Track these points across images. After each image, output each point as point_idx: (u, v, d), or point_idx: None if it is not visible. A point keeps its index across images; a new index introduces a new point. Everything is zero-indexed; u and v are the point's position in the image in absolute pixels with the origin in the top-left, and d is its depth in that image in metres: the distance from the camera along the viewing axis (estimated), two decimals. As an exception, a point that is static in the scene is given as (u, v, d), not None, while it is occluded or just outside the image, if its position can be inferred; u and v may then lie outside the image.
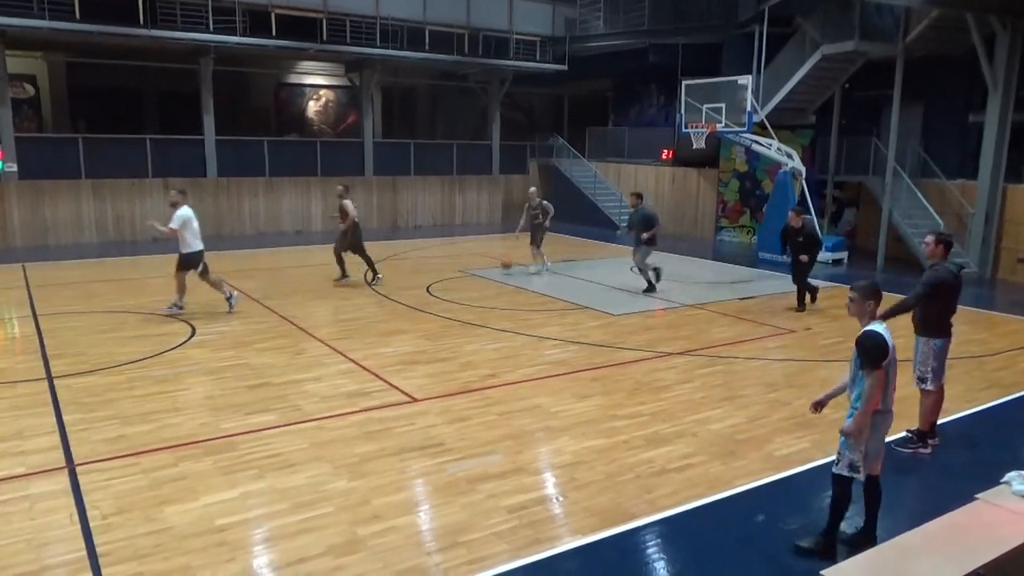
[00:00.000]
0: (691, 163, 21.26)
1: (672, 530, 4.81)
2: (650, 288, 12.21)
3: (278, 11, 18.38)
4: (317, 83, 24.43)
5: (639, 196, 12.68)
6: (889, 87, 15.88)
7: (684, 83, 17.58)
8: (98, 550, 4.41)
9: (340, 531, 4.65)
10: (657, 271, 12.33)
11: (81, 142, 17.91)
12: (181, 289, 10.34)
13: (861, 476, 4.43)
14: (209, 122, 18.99)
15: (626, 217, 15.70)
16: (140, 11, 16.71)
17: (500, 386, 7.51)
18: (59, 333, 9.30)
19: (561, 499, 5.16)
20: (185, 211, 10.17)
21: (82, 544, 4.48)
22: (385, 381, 7.59)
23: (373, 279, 12.74)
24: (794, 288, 11.34)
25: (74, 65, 19.97)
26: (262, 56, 20.92)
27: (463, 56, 21.38)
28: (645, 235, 11.93)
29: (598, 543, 4.60)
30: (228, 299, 10.43)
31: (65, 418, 6.45)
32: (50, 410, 6.66)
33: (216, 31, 17.69)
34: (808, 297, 11.32)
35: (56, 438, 6.03)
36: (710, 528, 4.88)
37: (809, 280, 11.28)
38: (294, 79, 24.15)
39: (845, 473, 4.43)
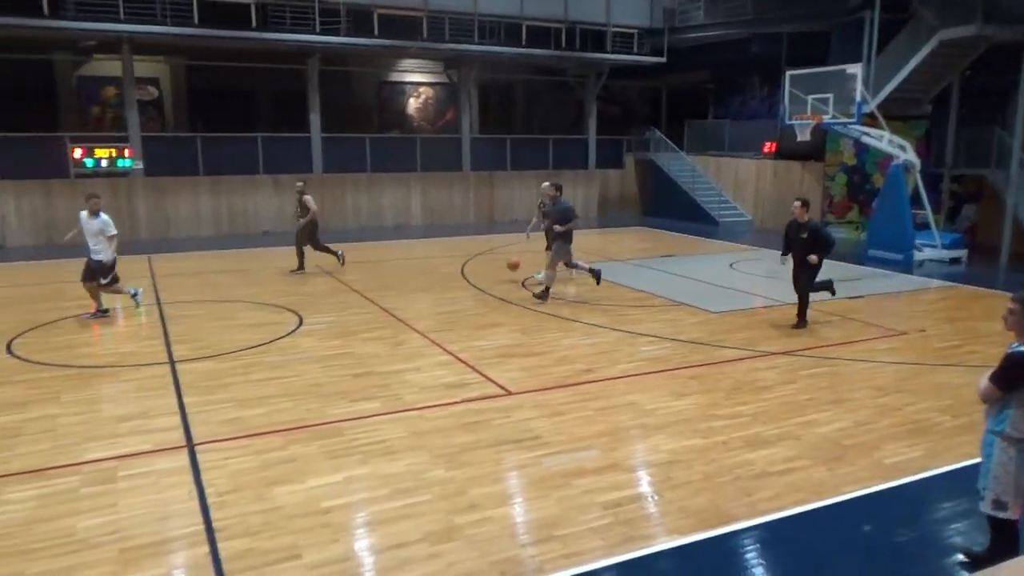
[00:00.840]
0: (795, 156, 20.51)
1: (773, 535, 4.68)
2: (544, 294, 11.05)
3: (380, 11, 18.90)
4: (417, 80, 24.98)
5: (558, 188, 11.68)
6: (1015, 73, 14.80)
7: (789, 73, 16.94)
8: (214, 525, 4.69)
9: (437, 519, 4.77)
10: (596, 273, 11.59)
11: (199, 140, 19.02)
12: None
13: (1012, 514, 3.92)
14: (315, 120, 19.76)
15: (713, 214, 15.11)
16: (252, 15, 17.57)
17: (596, 381, 7.50)
18: (181, 320, 9.93)
19: (657, 498, 5.12)
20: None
21: (200, 519, 4.78)
22: (481, 374, 7.71)
23: (342, 261, 13.75)
24: (901, 291, 10.21)
25: (193, 68, 21.18)
26: (365, 55, 21.58)
27: (560, 50, 21.38)
28: (560, 228, 10.98)
29: (695, 544, 4.54)
30: None
31: (185, 400, 6.89)
32: (172, 392, 7.13)
33: (322, 32, 18.38)
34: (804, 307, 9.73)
35: (178, 419, 6.46)
36: (813, 535, 4.72)
37: (818, 282, 9.66)
38: (395, 77, 24.77)
39: (990, 512, 3.99)
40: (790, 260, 9.69)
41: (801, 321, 9.65)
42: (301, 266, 13.54)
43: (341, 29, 18.66)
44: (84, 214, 9.99)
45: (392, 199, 21.04)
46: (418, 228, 20.60)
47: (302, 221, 13.35)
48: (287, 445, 5.90)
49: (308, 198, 13.27)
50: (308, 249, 13.47)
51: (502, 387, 7.30)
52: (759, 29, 21.09)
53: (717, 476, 5.40)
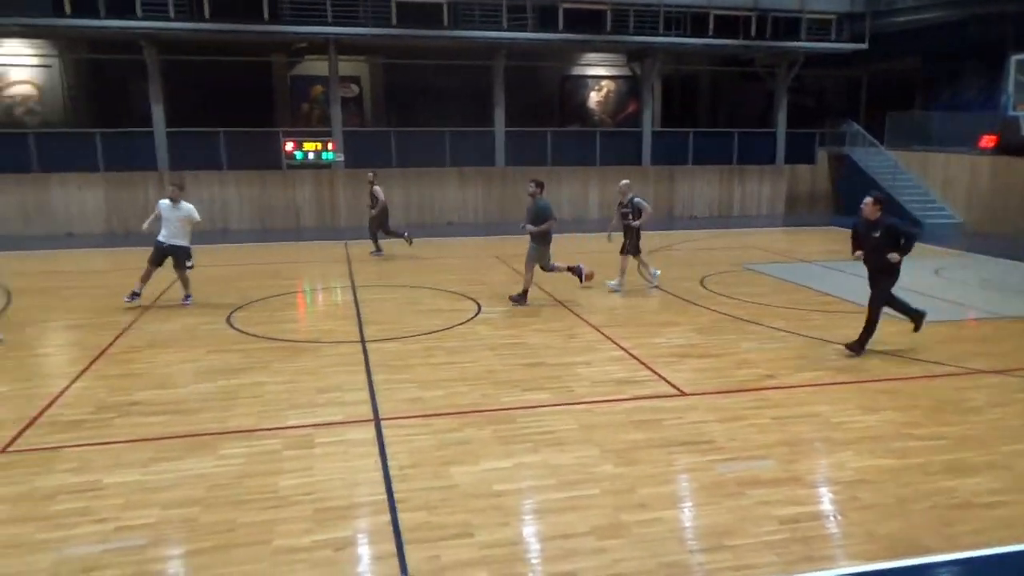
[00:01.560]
0: (1020, 151, 18.25)
1: (972, 573, 4.25)
2: (521, 298, 10.50)
3: (566, 6, 19.09)
4: (599, 74, 24.96)
5: (540, 185, 10.70)
6: None
7: (1014, 58, 15.11)
8: (395, 496, 5.01)
9: (605, 514, 4.78)
10: (577, 271, 11.11)
11: (393, 135, 20.25)
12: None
13: None
14: (499, 115, 20.36)
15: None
16: (445, 14, 18.41)
17: (777, 388, 7.16)
18: (372, 303, 10.66)
19: (840, 518, 4.80)
20: None
21: (383, 489, 5.12)
22: (655, 372, 7.61)
23: (410, 242, 14.89)
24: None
25: (390, 66, 22.55)
26: (550, 50, 21.89)
27: (749, 40, 20.47)
28: (532, 228, 10.37)
29: (882, 573, 4.21)
30: None
31: (374, 377, 7.40)
32: (363, 369, 7.68)
33: (510, 28, 18.88)
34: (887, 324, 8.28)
35: (367, 394, 6.95)
36: (1025, 577, 4.23)
37: (894, 296, 8.20)
38: (577, 71, 24.91)
39: None
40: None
41: (859, 343, 8.12)
42: (378, 249, 14.81)
43: (528, 25, 19.07)
44: (166, 202, 10.35)
45: (570, 192, 21.22)
46: (595, 222, 20.61)
47: (373, 211, 14.63)
48: (462, 427, 6.16)
49: (377, 189, 14.56)
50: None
51: (676, 387, 7.16)
52: (978, 10, 18.96)
53: (912, 502, 4.97)
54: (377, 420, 6.33)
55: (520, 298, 10.53)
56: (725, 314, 10.02)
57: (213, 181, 19.03)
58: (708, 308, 10.34)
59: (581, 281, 11.23)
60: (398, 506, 4.88)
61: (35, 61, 21.04)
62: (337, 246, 15.98)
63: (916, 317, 8.40)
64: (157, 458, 5.59)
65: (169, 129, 18.67)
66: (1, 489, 5.11)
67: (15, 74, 21.00)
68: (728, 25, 20.32)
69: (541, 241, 10.53)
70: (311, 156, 19.54)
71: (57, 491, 5.08)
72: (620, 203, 11.34)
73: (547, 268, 10.74)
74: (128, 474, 5.33)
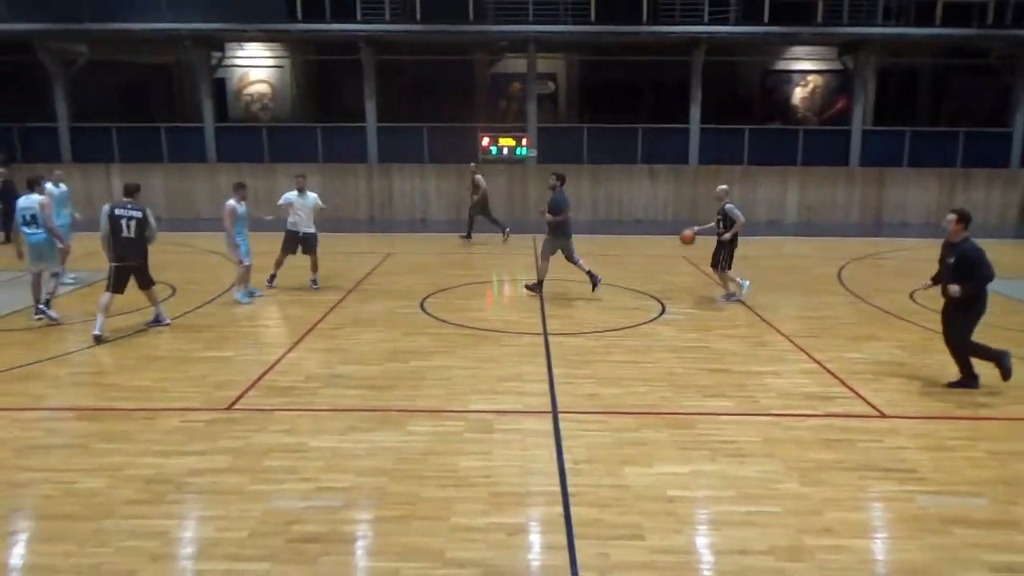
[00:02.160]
0: None
1: None
2: (537, 287, 10.81)
3: (773, -3, 18.17)
4: (806, 69, 23.51)
5: (560, 179, 10.73)
6: None
7: None
8: (569, 489, 5.07)
9: (786, 534, 4.54)
10: (594, 279, 10.70)
11: (585, 131, 20.40)
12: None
13: None
14: (695, 112, 19.82)
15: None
16: (644, 9, 18.20)
17: (994, 419, 6.40)
18: (556, 297, 10.82)
19: (1068, 573, 4.21)
20: None
21: (557, 481, 5.20)
22: (850, 389, 7.08)
23: (506, 238, 15.92)
24: None
25: (586, 63, 22.70)
26: (752, 44, 20.96)
27: (985, 28, 18.31)
28: (549, 217, 10.52)
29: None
30: None
31: (554, 370, 7.52)
32: (543, 361, 7.84)
33: (711, 22, 18.30)
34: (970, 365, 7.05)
35: (546, 386, 7.08)
36: None
37: (978, 345, 7.01)
38: (782, 66, 23.63)
39: None
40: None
41: (965, 379, 7.10)
42: (469, 235, 16.35)
43: (730, 18, 18.37)
44: (293, 193, 11.04)
45: (767, 193, 20.22)
46: (792, 225, 19.52)
47: (475, 197, 16.07)
48: (639, 428, 6.10)
49: (479, 177, 16.08)
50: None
51: (874, 407, 6.62)
52: None
53: None
54: (555, 412, 6.43)
55: (536, 287, 10.90)
56: (937, 331, 9.07)
57: (415, 174, 20.23)
58: (917, 324, 9.43)
59: (593, 289, 10.82)
60: (571, 499, 4.93)
61: (270, 62, 23.51)
62: (525, 239, 16.38)
63: (999, 361, 7.04)
64: (353, 428, 6.07)
65: (379, 124, 20.09)
66: (226, 441, 5.80)
67: (254, 74, 23.59)
68: (958, 12, 18.32)
69: (555, 233, 10.73)
70: (505, 151, 20.18)
71: (270, 449, 5.68)
72: (718, 210, 10.68)
73: (571, 260, 10.90)
74: (328, 440, 5.83)
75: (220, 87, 22.51)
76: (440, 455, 5.57)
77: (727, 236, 10.28)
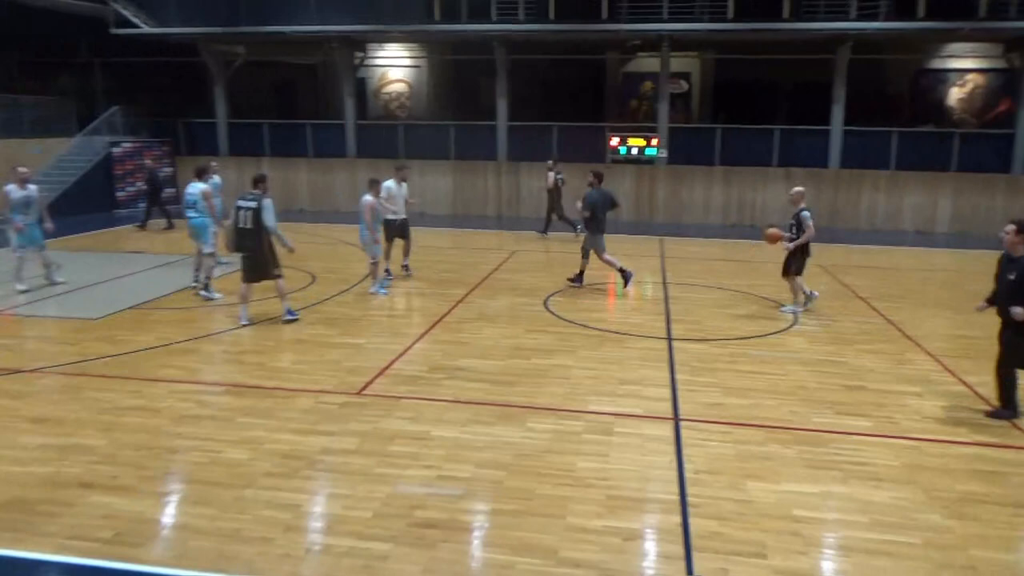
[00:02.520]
0: None
1: None
2: (578, 278, 11.33)
3: (932, -9, 16.91)
4: (964, 67, 21.74)
5: (599, 177, 11.34)
6: None
7: None
8: (688, 499, 4.96)
9: (925, 569, 4.24)
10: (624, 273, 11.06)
11: (719, 132, 19.82)
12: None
13: None
14: (838, 112, 18.80)
15: None
16: (785, 6, 17.43)
17: None
18: (681, 301, 10.61)
19: None
20: None
21: (676, 489, 5.10)
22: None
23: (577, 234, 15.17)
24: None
25: (721, 61, 22.04)
26: (904, 41, 19.64)
27: None
28: (585, 214, 11.05)
29: None
30: None
31: (677, 376, 7.38)
32: (666, 366, 7.70)
33: (859, 18, 17.28)
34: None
35: (668, 392, 6.96)
36: None
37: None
38: (936, 64, 21.97)
39: None
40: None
41: (1005, 408, 6.42)
42: (545, 231, 16.68)
43: (880, 14, 17.28)
44: (393, 183, 11.35)
45: (915, 201, 18.88)
46: (943, 236, 18.14)
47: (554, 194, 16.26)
48: (766, 442, 5.88)
49: (551, 174, 16.27)
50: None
51: (1032, 438, 6.06)
52: None
53: None
54: (676, 419, 6.31)
55: (576, 279, 11.39)
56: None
57: (542, 172, 20.33)
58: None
59: (626, 285, 11.18)
60: (690, 510, 4.83)
61: (408, 62, 24.36)
62: (651, 241, 16.15)
63: None
64: (474, 420, 6.20)
65: (510, 123, 20.37)
66: (356, 424, 6.09)
67: (393, 74, 24.53)
68: None
69: (592, 229, 11.14)
70: (634, 151, 19.94)
71: (396, 434, 5.90)
72: (792, 214, 9.99)
73: (601, 257, 11.18)
74: (450, 430, 6.00)
75: (361, 86, 23.56)
76: (558, 454, 5.60)
77: (790, 247, 9.67)
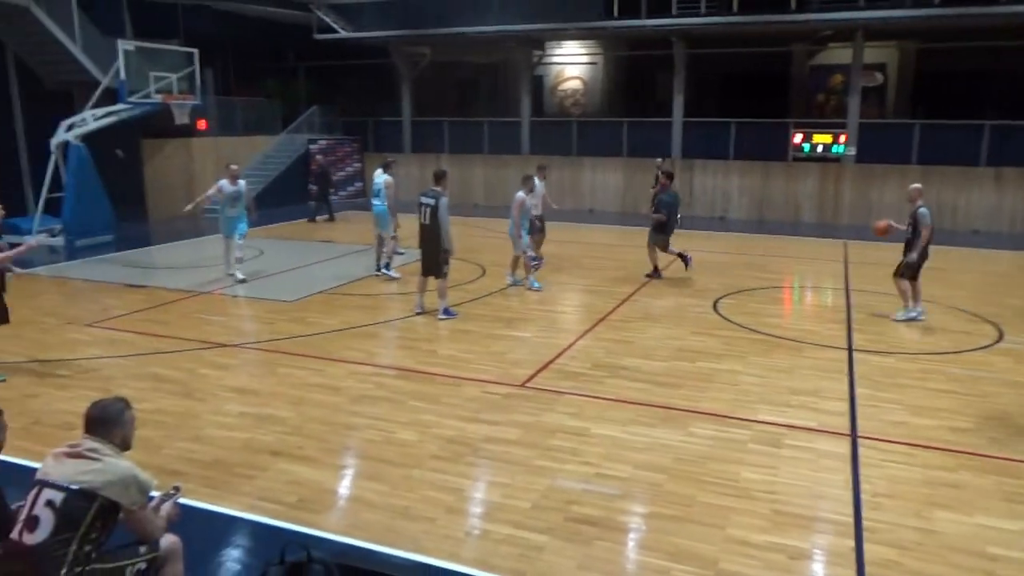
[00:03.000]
0: None
1: None
2: (655, 274, 11.59)
3: None
4: None
5: (670, 177, 11.82)
6: None
7: None
8: (864, 523, 4.62)
9: None
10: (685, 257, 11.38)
11: (917, 128, 18.17)
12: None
13: None
14: (1066, 105, 16.62)
15: None
16: (1010, -14, 15.63)
17: None
18: (866, 310, 9.86)
19: None
20: None
21: (850, 511, 4.76)
22: None
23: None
24: None
25: (924, 51, 20.16)
26: None
27: None
28: (656, 216, 11.34)
29: None
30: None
31: (857, 390, 6.88)
32: (844, 379, 7.20)
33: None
34: None
35: (845, 406, 6.51)
36: None
37: None
38: None
39: None
40: None
41: None
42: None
43: None
44: (539, 179, 11.26)
45: None
46: None
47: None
48: (957, 468, 5.34)
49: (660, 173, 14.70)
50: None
51: None
52: None
53: None
54: (854, 436, 5.89)
55: (654, 274, 11.60)
56: None
57: (718, 170, 19.71)
58: None
59: (686, 267, 11.61)
60: (865, 534, 4.50)
61: (584, 59, 24.45)
62: (835, 245, 15.14)
63: None
64: (635, 420, 6.15)
65: (685, 119, 19.88)
66: (518, 416, 6.24)
67: (568, 71, 24.74)
68: None
69: (656, 228, 11.40)
70: (819, 149, 18.77)
71: (556, 429, 5.98)
72: (909, 213, 9.15)
73: (665, 250, 11.53)
74: (610, 428, 5.98)
75: (538, 84, 23.99)
76: (721, 462, 5.42)
77: (915, 256, 8.87)
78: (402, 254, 12.50)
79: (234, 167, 11.44)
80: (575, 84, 24.84)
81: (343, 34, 21.43)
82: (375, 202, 11.70)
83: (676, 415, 6.28)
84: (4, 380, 7.06)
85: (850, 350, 8.11)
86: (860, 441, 5.79)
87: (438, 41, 21.98)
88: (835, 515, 4.72)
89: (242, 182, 11.53)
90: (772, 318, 9.56)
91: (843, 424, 6.12)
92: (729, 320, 9.32)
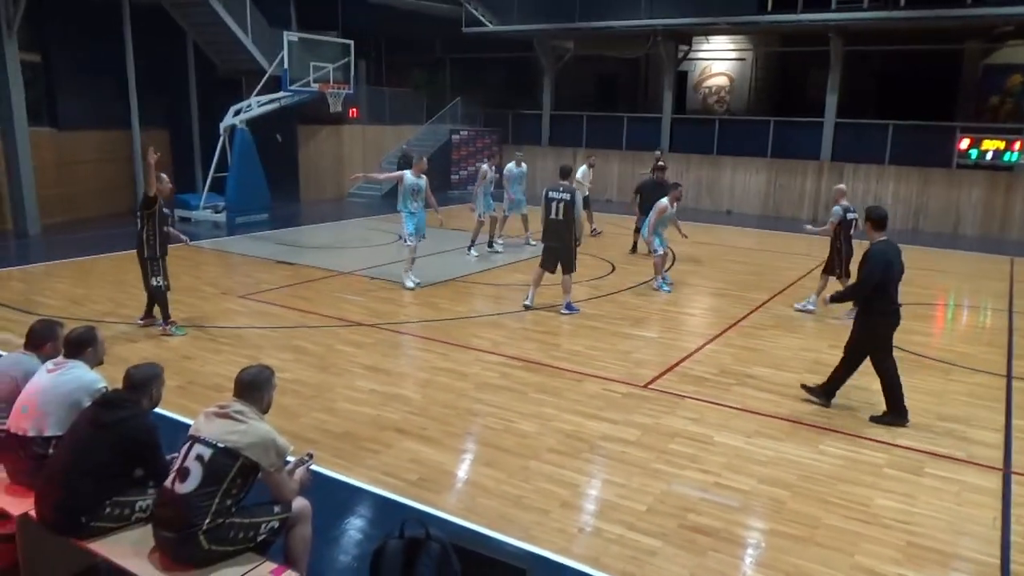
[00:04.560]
0: None
1: None
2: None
3: None
4: None
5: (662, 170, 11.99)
6: None
7: None
8: (1011, 567, 4.24)
9: None
10: None
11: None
12: None
13: None
14: None
15: None
16: None
17: None
18: (1029, 334, 9.00)
19: None
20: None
21: (997, 552, 4.39)
22: None
23: None
24: None
25: None
26: None
27: None
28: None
29: None
30: None
31: (1014, 421, 6.30)
32: (1002, 408, 6.61)
33: None
34: None
35: (1000, 437, 5.98)
36: None
37: None
38: None
39: None
40: None
41: None
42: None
43: None
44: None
45: None
46: None
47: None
48: None
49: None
50: None
51: None
52: None
53: None
54: (1007, 471, 5.40)
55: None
56: None
57: (871, 175, 18.51)
58: None
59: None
60: (1012, 578, 4.13)
61: (733, 55, 23.65)
62: (1000, 261, 13.84)
63: None
64: (760, 432, 5.92)
65: (838, 120, 18.80)
66: (638, 416, 6.17)
67: (715, 67, 24.02)
68: None
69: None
70: (988, 156, 17.19)
71: (677, 433, 5.87)
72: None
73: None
74: (733, 438, 5.80)
75: (681, 80, 23.43)
76: (851, 484, 5.12)
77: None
78: (534, 245, 12.65)
79: (422, 162, 10.41)
80: (721, 81, 24.08)
81: (490, 27, 21.83)
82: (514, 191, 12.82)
83: (805, 430, 6.00)
84: (185, 334, 8.02)
85: (1009, 377, 7.42)
86: (1014, 477, 5.30)
87: (584, 35, 21.92)
88: (978, 554, 4.36)
89: (424, 176, 10.29)
90: (920, 336, 8.89)
91: (995, 457, 5.63)
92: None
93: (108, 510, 3.49)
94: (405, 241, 10.29)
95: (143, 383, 3.71)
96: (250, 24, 16.89)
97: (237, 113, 15.89)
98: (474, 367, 7.27)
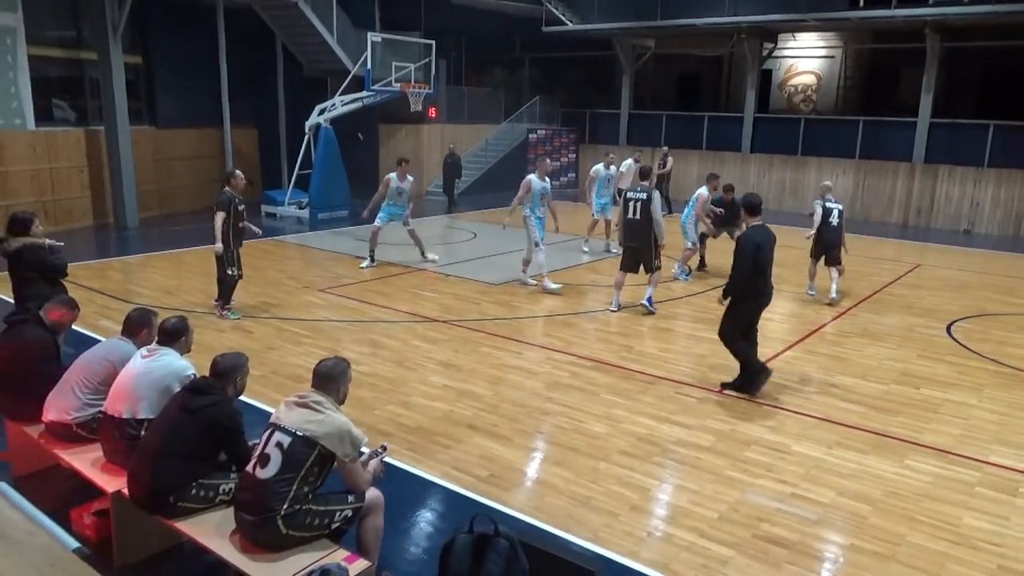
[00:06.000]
0: None
1: None
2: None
3: None
4: None
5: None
6: None
7: None
8: (1117, 600, 3.96)
9: None
10: None
11: None
12: None
13: None
14: None
15: None
16: None
17: None
18: None
19: None
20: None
21: (1101, 583, 4.10)
22: None
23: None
24: None
25: None
26: None
27: None
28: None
29: None
30: None
31: (1123, 444, 5.87)
32: (1108, 429, 6.17)
33: None
34: None
35: (1106, 461, 5.58)
36: None
37: None
38: None
39: None
40: None
41: None
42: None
43: None
44: (631, 161, 11.09)
45: None
46: None
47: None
48: None
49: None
50: None
51: None
52: None
53: None
54: (1115, 497, 5.04)
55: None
56: None
57: (967, 178, 17.59)
58: None
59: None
60: (1117, 612, 3.85)
61: (821, 53, 22.86)
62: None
63: None
64: (841, 443, 5.71)
65: (932, 120, 17.93)
66: (712, 422, 6.05)
67: (801, 65, 23.27)
68: None
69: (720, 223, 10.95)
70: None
71: (753, 440, 5.72)
72: None
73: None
74: (813, 448, 5.61)
75: (765, 78, 22.80)
76: (940, 502, 4.88)
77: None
78: (615, 251, 12.56)
79: (549, 163, 10.86)
80: (808, 79, 23.30)
81: (571, 26, 21.77)
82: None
83: (891, 444, 5.74)
84: (238, 318, 8.43)
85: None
86: (1122, 504, 4.94)
87: (665, 33, 21.61)
88: (1079, 584, 4.09)
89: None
90: (1019, 349, 8.39)
91: (1103, 481, 5.26)
92: (965, 346, 8.33)
93: (194, 491, 3.65)
94: (538, 246, 10.17)
95: (229, 371, 3.87)
96: (336, 25, 17.37)
97: (322, 112, 16.36)
98: (545, 366, 7.27)
